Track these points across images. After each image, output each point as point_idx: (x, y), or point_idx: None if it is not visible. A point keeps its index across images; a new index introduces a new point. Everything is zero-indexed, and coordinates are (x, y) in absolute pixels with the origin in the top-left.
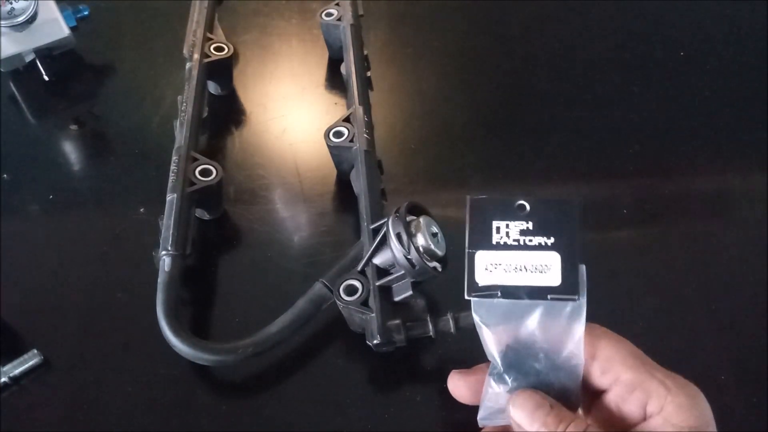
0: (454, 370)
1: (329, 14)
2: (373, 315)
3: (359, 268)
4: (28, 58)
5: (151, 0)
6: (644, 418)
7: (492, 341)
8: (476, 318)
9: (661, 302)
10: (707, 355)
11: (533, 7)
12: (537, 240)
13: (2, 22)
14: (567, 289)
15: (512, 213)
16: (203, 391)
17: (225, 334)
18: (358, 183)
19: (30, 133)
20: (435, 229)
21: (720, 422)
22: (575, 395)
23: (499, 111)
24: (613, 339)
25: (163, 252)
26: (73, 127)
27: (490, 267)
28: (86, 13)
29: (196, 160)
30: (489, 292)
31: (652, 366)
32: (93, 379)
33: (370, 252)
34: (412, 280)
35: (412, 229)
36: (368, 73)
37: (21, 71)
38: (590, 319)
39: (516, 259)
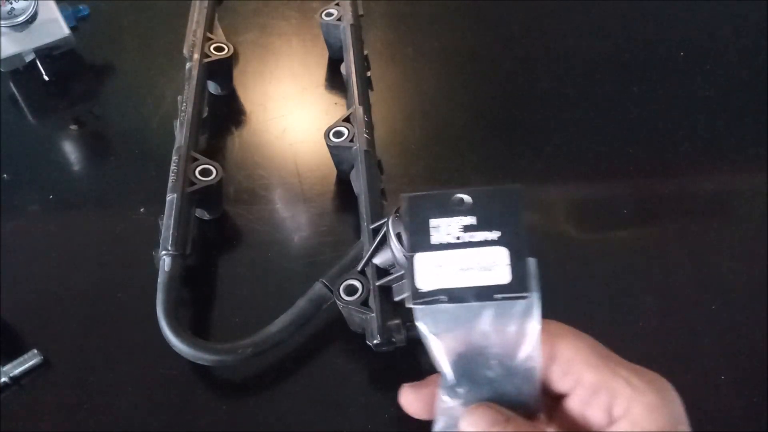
0: (405, 384)
1: (329, 14)
2: (373, 315)
3: (359, 268)
4: (28, 58)
5: (151, 0)
6: (611, 420)
7: (441, 351)
8: (422, 327)
9: (661, 302)
10: (707, 355)
11: (533, 7)
12: (481, 235)
13: (2, 22)
14: (517, 286)
15: (451, 208)
16: (203, 391)
17: (225, 334)
18: (358, 183)
19: (30, 133)
20: None
21: (720, 422)
22: (534, 400)
23: (499, 111)
24: (573, 336)
25: (163, 252)
26: (73, 127)
27: (432, 270)
28: (86, 13)
29: (196, 160)
30: (434, 297)
31: (617, 363)
32: (93, 379)
33: (370, 252)
34: None
35: None
36: (368, 73)
37: (21, 71)
38: (590, 319)
39: (460, 259)
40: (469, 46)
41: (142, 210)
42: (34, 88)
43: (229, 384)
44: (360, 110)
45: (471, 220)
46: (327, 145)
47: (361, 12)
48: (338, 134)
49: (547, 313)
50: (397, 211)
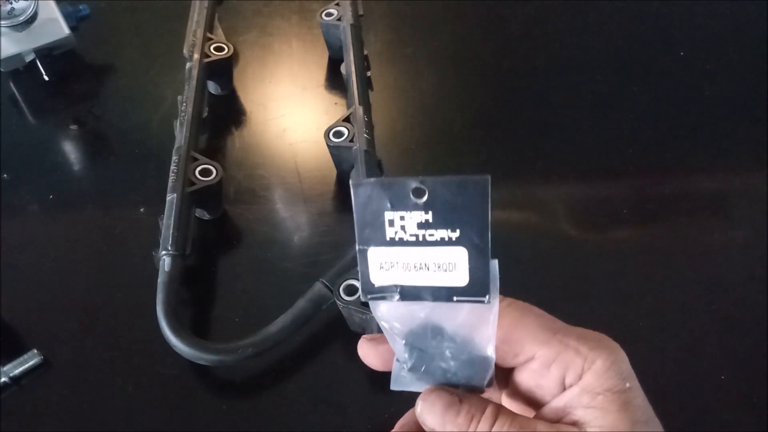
0: (363, 337)
1: (329, 14)
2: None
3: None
4: (28, 58)
5: (151, 0)
6: (563, 389)
7: (393, 337)
8: (377, 318)
9: (661, 302)
10: (707, 355)
11: (533, 7)
12: (439, 234)
13: (2, 22)
14: (475, 289)
15: (407, 201)
16: (203, 391)
17: (225, 334)
18: None
19: (30, 133)
20: None
21: (720, 422)
22: (488, 383)
23: (499, 111)
24: (519, 314)
25: (163, 252)
26: (73, 127)
27: (386, 265)
28: (86, 13)
29: (196, 160)
30: (387, 293)
31: (565, 333)
32: (93, 379)
33: None
34: None
35: None
36: (368, 73)
37: (21, 71)
38: (590, 318)
39: (415, 257)
40: (469, 46)
41: (142, 210)
42: (34, 88)
43: (229, 384)
44: (360, 110)
45: (428, 216)
46: (327, 145)
47: (361, 12)
48: (338, 134)
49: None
50: None
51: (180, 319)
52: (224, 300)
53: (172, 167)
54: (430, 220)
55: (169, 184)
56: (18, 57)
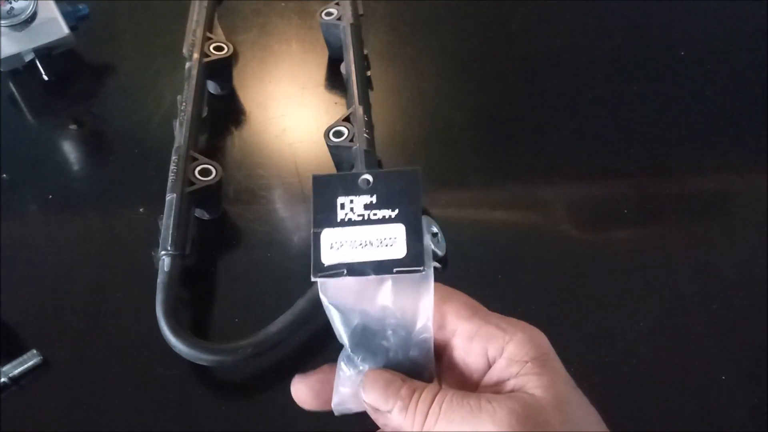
0: (296, 375)
1: (329, 14)
2: None
3: None
4: (28, 58)
5: (151, 0)
6: (489, 365)
7: (340, 322)
8: (324, 299)
9: (661, 302)
10: (707, 355)
11: (533, 7)
12: (381, 213)
13: (2, 22)
14: (412, 260)
15: (356, 188)
16: (203, 391)
17: (225, 334)
18: None
19: (30, 133)
20: (435, 229)
21: (720, 422)
22: (428, 370)
23: (499, 111)
24: (445, 292)
25: (163, 252)
26: (73, 127)
27: (335, 245)
28: (86, 12)
29: (195, 159)
30: (335, 271)
31: (487, 313)
32: (93, 379)
33: None
34: None
35: None
36: (368, 73)
37: (20, 71)
38: (590, 318)
39: (361, 235)
40: (469, 46)
41: (141, 210)
42: (33, 87)
43: (229, 384)
44: (360, 110)
45: (373, 198)
46: (327, 144)
47: (361, 12)
48: (338, 134)
49: (548, 312)
50: None
51: (179, 319)
52: (224, 300)
53: (172, 167)
54: (374, 202)
55: (169, 184)
56: (17, 57)
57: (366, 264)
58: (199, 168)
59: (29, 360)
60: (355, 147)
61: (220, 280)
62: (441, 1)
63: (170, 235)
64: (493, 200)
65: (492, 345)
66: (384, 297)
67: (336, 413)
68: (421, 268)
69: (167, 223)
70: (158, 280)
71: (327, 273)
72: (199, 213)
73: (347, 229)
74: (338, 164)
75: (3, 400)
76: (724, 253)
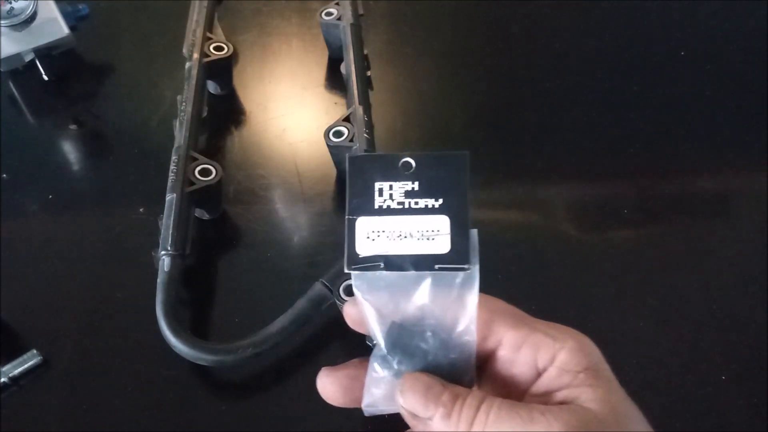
0: (323, 368)
1: (329, 14)
2: None
3: None
4: (28, 58)
5: (151, 0)
6: (538, 374)
7: (375, 319)
8: (357, 293)
9: (661, 302)
10: (707, 355)
11: (533, 7)
12: (423, 202)
13: (2, 22)
14: (457, 257)
15: (396, 172)
16: (203, 391)
17: (225, 334)
18: None
19: (30, 133)
20: None
21: (720, 422)
22: (469, 375)
23: (499, 111)
24: (486, 300)
25: (163, 252)
26: (73, 127)
27: (372, 235)
28: (86, 12)
29: (195, 159)
30: (371, 263)
31: (533, 320)
32: (93, 379)
33: None
34: None
35: None
36: (368, 73)
37: (20, 71)
38: (590, 318)
39: (400, 225)
40: (469, 46)
41: (141, 210)
42: (33, 87)
43: (229, 384)
44: (360, 110)
45: (415, 185)
46: (327, 144)
47: (361, 12)
48: (338, 134)
49: (547, 312)
50: None
51: (179, 319)
52: (224, 300)
53: (172, 167)
54: (416, 189)
55: (169, 184)
56: (17, 57)
57: (404, 258)
58: (199, 168)
59: (29, 360)
60: (355, 147)
61: (220, 280)
62: (441, 1)
63: (170, 235)
64: (493, 200)
65: (542, 353)
66: (423, 295)
67: (366, 414)
68: (467, 266)
69: (167, 223)
70: (158, 280)
71: (362, 265)
72: (199, 213)
73: (385, 218)
74: (338, 164)
75: (3, 400)
76: (724, 253)
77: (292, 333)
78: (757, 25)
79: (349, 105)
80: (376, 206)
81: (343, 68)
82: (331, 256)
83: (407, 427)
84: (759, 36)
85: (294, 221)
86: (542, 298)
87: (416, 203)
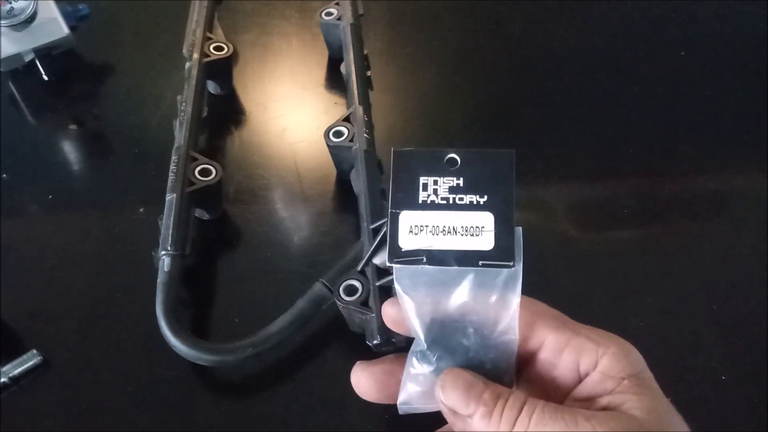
0: (359, 362)
1: (329, 14)
2: (373, 315)
3: (359, 268)
4: (28, 58)
5: (151, 0)
6: (580, 379)
7: (415, 314)
8: (398, 287)
9: (661, 302)
10: (707, 355)
11: (533, 7)
12: (468, 198)
13: (2, 22)
14: (501, 254)
15: (442, 167)
16: (203, 391)
17: (225, 334)
18: (358, 183)
19: (29, 133)
20: None
21: (720, 422)
22: (509, 374)
23: (499, 111)
24: (528, 302)
25: (163, 252)
26: (73, 127)
27: (415, 229)
28: (86, 12)
29: (195, 159)
30: (413, 257)
31: (575, 324)
32: (93, 379)
33: (370, 252)
34: None
35: None
36: (368, 73)
37: (20, 71)
38: (590, 318)
39: (444, 220)
40: (469, 46)
41: (141, 210)
42: (33, 87)
43: (229, 384)
44: (360, 110)
45: (460, 181)
46: (327, 144)
47: (361, 12)
48: (338, 134)
49: None
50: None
51: (180, 319)
52: (224, 300)
53: (172, 167)
54: (461, 185)
55: (169, 184)
56: (17, 57)
57: (448, 253)
58: (199, 168)
59: (29, 360)
60: (355, 147)
61: (220, 280)
62: (441, 1)
63: (170, 235)
64: None
65: (584, 357)
66: (464, 292)
67: (401, 412)
68: (511, 264)
69: (167, 223)
70: (158, 280)
71: (405, 259)
72: (199, 213)
73: (429, 213)
74: (338, 164)
75: (3, 400)
76: (724, 253)
77: (292, 333)
78: (757, 25)
79: (349, 105)
80: (420, 201)
81: (343, 68)
82: (331, 256)
83: (418, 429)
84: (759, 36)
85: (294, 221)
86: (542, 298)
87: (461, 199)
